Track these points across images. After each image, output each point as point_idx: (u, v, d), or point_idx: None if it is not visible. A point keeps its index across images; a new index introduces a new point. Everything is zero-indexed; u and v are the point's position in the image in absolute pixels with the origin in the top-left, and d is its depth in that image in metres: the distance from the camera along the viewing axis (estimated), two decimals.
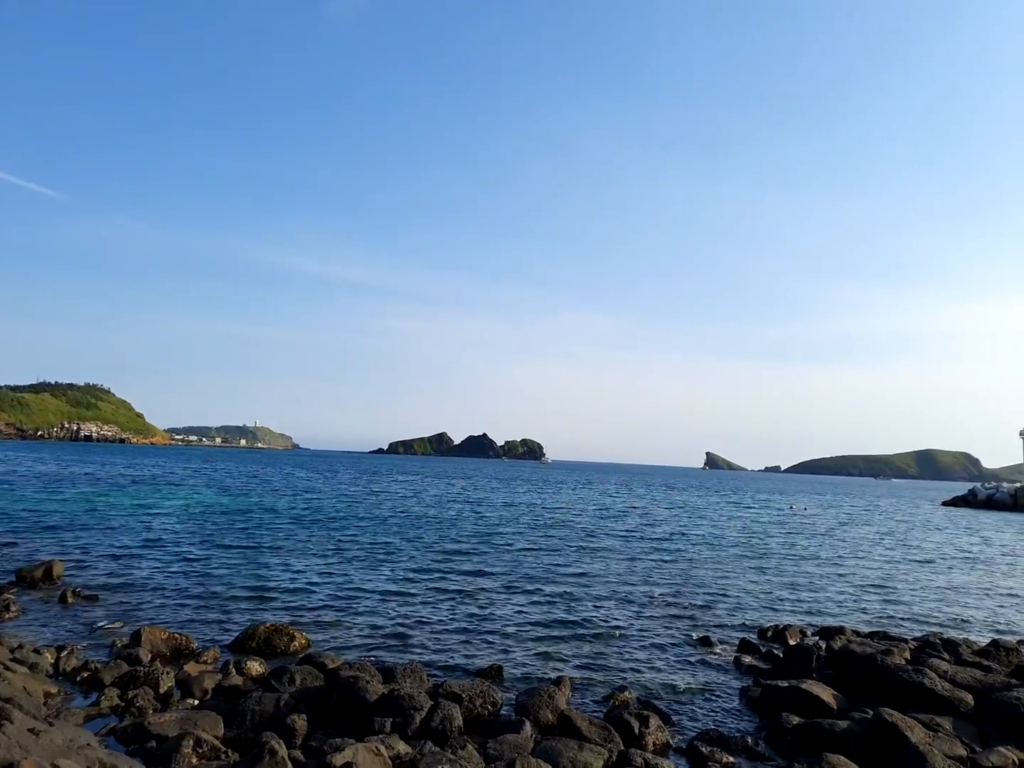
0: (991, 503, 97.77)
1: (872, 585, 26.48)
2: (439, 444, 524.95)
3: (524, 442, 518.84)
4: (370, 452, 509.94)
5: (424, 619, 17.68)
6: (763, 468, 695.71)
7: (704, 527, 48.08)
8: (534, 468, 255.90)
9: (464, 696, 10.76)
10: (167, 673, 11.60)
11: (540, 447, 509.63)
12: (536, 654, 15.16)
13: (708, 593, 22.96)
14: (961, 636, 18.13)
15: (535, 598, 20.85)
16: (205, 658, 13.07)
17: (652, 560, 29.90)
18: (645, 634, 17.33)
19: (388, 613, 18.11)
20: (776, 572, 28.34)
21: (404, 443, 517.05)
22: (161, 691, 11.15)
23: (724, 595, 22.79)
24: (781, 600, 22.67)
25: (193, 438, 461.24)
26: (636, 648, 16.05)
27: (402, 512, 47.81)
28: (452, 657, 14.64)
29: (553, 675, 13.28)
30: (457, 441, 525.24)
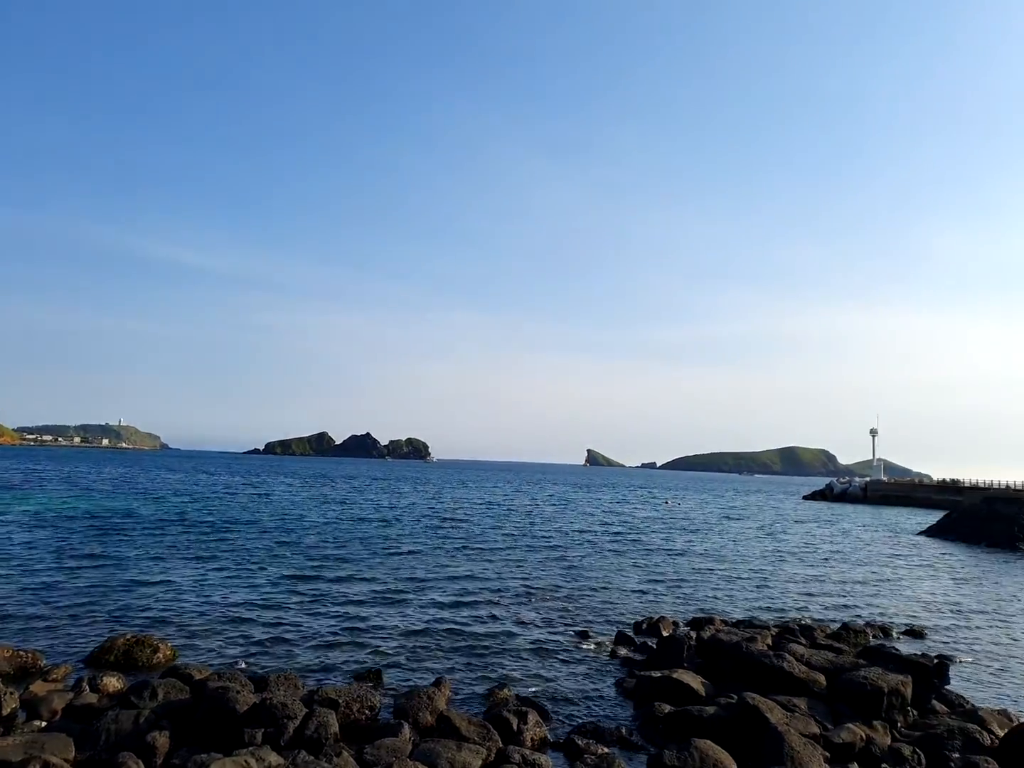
0: (845, 496, 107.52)
1: (742, 577, 28.01)
2: (319, 444, 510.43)
3: (409, 441, 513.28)
4: (245, 452, 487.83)
5: (300, 626, 17.12)
6: (640, 464, 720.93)
7: (584, 523, 49.36)
8: (419, 468, 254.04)
9: (340, 701, 10.49)
10: (10, 694, 10.62)
11: (425, 446, 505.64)
12: (416, 657, 15.02)
13: (587, 588, 23.54)
14: (816, 621, 19.56)
15: (416, 601, 20.67)
16: (55, 676, 12.11)
17: (534, 558, 30.36)
18: (525, 631, 17.55)
19: (262, 621, 17.41)
20: (653, 566, 29.44)
21: (282, 443, 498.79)
22: (3, 714, 10.22)
23: (603, 590, 23.45)
24: (657, 593, 23.57)
25: (48, 438, 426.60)
26: (516, 645, 16.22)
27: (278, 516, 46.21)
28: (330, 664, 14.26)
29: (433, 677, 13.19)
30: (339, 441, 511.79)
